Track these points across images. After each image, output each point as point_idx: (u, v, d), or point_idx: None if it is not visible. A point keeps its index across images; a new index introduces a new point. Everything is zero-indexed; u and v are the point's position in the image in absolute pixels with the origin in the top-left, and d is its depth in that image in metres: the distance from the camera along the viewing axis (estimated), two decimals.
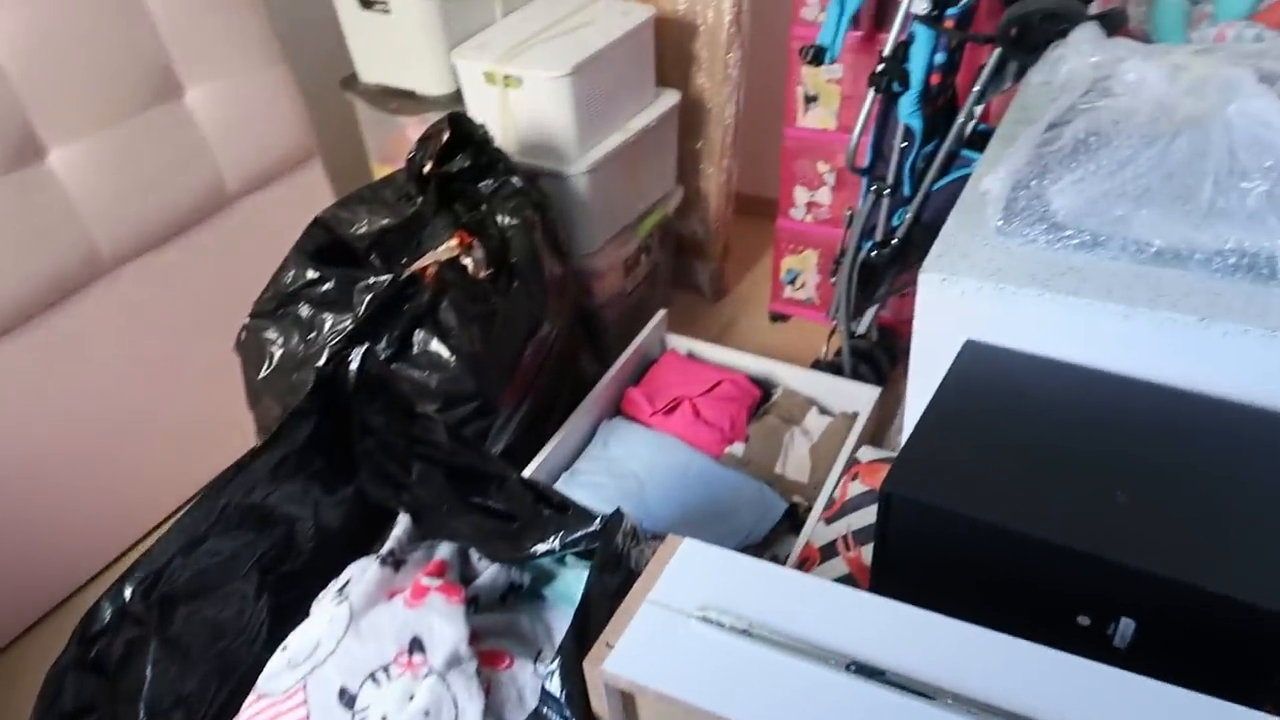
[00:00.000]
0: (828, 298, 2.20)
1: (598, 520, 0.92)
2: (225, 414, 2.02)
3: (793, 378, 1.86)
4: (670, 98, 2.10)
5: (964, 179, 1.63)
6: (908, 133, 1.61)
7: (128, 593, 0.97)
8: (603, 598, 0.85)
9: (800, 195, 2.10)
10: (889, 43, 1.57)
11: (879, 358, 1.93)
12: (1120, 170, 1.07)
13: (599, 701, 0.78)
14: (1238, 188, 1.01)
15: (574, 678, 0.78)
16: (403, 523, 1.02)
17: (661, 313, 1.95)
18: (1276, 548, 0.79)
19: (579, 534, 0.92)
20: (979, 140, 1.62)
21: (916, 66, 1.56)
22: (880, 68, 1.58)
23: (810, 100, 1.99)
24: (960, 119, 1.56)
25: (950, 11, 1.53)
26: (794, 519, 1.61)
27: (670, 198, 2.20)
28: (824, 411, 1.80)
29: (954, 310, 1.08)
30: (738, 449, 1.72)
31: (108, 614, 0.97)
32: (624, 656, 0.74)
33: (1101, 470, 0.88)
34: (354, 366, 1.11)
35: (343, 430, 1.11)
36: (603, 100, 1.93)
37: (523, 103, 1.88)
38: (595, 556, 0.89)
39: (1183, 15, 1.50)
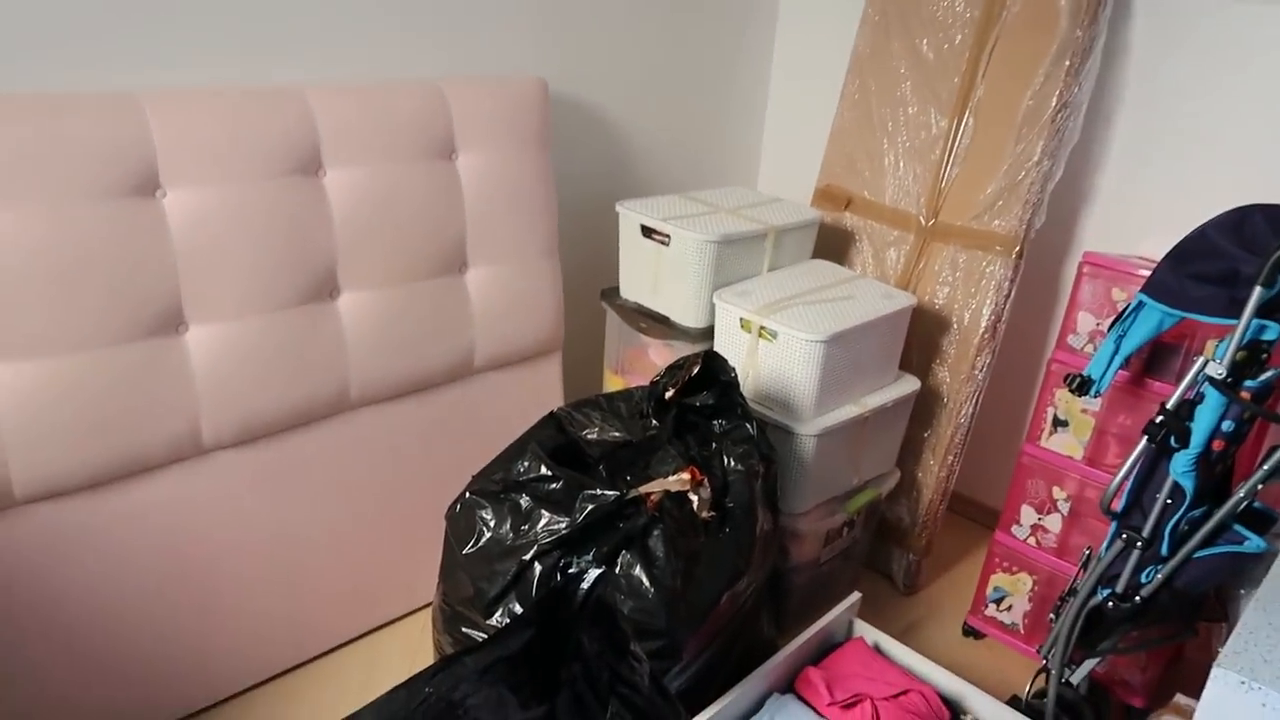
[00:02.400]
0: (1034, 629, 2.03)
1: None
2: (405, 568, 2.04)
3: (986, 708, 1.69)
4: (910, 383, 2.10)
5: (1231, 555, 1.51)
6: (1176, 490, 1.51)
7: None
8: None
9: (1027, 515, 2.00)
10: (1174, 397, 1.51)
11: (1086, 714, 1.73)
12: None
13: None
14: None
15: None
16: None
17: (855, 596, 1.86)
18: None
19: None
20: (1253, 518, 1.50)
21: (1200, 428, 1.48)
22: (1159, 419, 1.52)
23: (1059, 424, 1.92)
24: (1240, 494, 1.46)
25: (1249, 384, 1.46)
26: None
27: (886, 479, 2.15)
28: None
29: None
30: None
31: None
32: None
33: None
34: (585, 586, 1.09)
35: (555, 649, 1.08)
36: (847, 371, 1.94)
37: (771, 355, 1.92)
38: None
39: None
